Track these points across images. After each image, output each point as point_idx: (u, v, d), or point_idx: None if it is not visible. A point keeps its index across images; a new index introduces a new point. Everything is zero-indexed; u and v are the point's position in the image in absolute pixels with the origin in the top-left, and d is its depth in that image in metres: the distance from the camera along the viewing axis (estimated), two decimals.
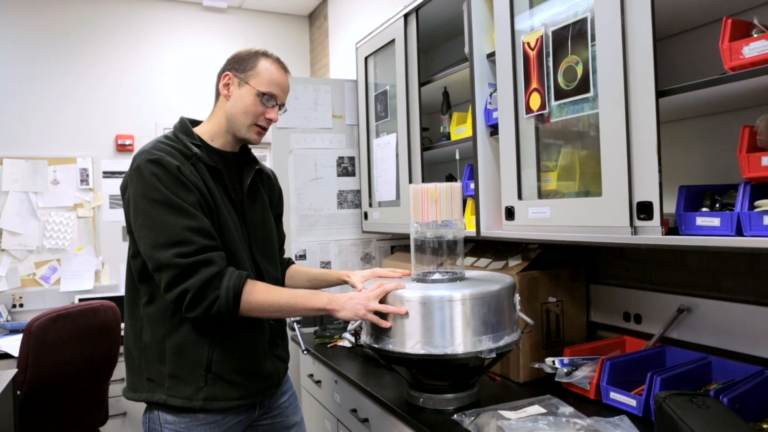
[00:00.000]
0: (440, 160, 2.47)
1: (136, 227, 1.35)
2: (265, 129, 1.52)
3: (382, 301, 1.44)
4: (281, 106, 1.52)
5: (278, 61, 1.51)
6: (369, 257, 2.84)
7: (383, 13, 3.12)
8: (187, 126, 1.50)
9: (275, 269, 1.60)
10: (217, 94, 1.52)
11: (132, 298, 1.45)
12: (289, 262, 1.80)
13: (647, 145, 1.23)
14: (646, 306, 1.69)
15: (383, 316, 1.43)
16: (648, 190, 1.24)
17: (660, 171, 1.21)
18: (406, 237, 2.91)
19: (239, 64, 1.48)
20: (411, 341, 1.42)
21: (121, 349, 2.98)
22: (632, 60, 1.26)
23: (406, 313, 1.41)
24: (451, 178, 2.44)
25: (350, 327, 1.62)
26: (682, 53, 1.50)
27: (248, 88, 1.46)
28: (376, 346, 1.48)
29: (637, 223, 1.27)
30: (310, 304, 1.41)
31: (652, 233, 1.24)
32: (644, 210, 1.25)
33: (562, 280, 1.81)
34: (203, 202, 1.38)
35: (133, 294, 1.44)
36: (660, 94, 1.22)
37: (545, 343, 1.77)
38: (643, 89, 1.24)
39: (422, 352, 1.40)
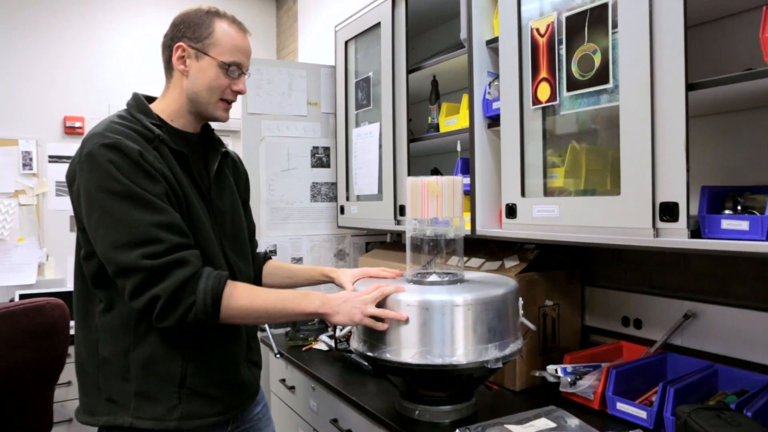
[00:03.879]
0: (425, 152, 2.35)
1: (91, 225, 1.14)
2: (231, 103, 1.33)
3: (380, 305, 1.31)
4: (246, 72, 1.33)
5: (235, 21, 1.31)
6: (343, 254, 2.70)
7: None
8: (143, 103, 1.28)
9: (248, 266, 1.43)
10: (170, 68, 1.30)
11: (84, 305, 1.24)
12: (266, 256, 1.63)
13: (674, 142, 1.15)
14: (647, 310, 1.63)
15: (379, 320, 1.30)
16: (673, 190, 1.16)
17: (688, 170, 1.13)
18: (383, 233, 2.82)
19: (192, 32, 1.26)
20: (410, 350, 1.29)
21: (70, 351, 2.74)
22: (659, 49, 1.17)
23: (407, 320, 1.28)
24: (436, 172, 2.32)
25: (339, 332, 1.48)
26: (709, 44, 1.42)
27: (208, 59, 1.25)
28: (370, 354, 1.34)
29: (660, 224, 1.18)
30: (301, 308, 1.25)
31: (676, 236, 1.16)
32: (668, 211, 1.17)
33: (558, 282, 1.73)
34: (170, 192, 1.18)
35: (84, 301, 1.24)
36: (690, 87, 1.13)
37: (541, 349, 1.69)
38: (671, 81, 1.15)
39: (423, 362, 1.28)
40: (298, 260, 2.58)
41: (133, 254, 1.10)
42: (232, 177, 1.45)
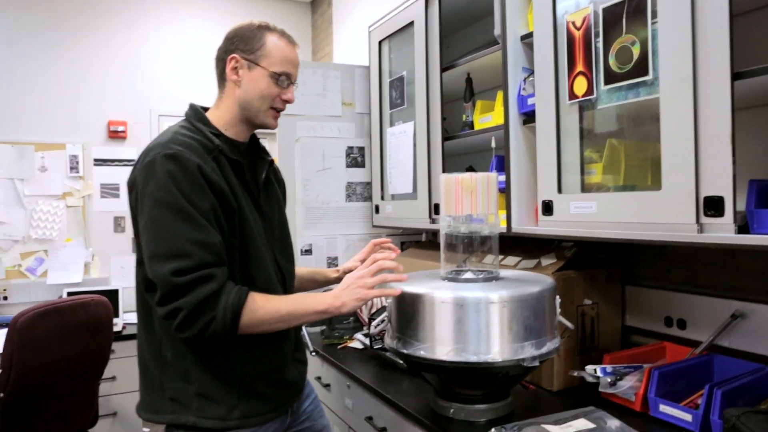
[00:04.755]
0: (460, 151, 2.33)
1: (140, 229, 1.20)
2: (280, 111, 1.38)
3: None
4: (294, 82, 1.38)
5: (285, 35, 1.36)
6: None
7: None
8: (201, 113, 1.34)
9: (293, 268, 1.49)
10: (223, 80, 1.36)
11: (144, 309, 1.30)
12: None
13: (719, 134, 1.10)
14: (692, 310, 1.57)
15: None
16: (718, 183, 1.11)
17: (734, 162, 1.09)
18: (419, 232, 2.81)
19: (245, 44, 1.32)
20: (444, 347, 1.28)
21: (114, 347, 2.83)
22: (702, 38, 1.13)
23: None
24: (471, 170, 2.30)
25: (374, 330, 1.48)
26: (755, 31, 1.36)
27: (260, 70, 1.31)
28: (404, 351, 1.34)
29: (704, 220, 1.14)
30: (313, 307, 1.26)
31: (722, 231, 1.11)
32: (713, 206, 1.12)
33: (597, 281, 1.69)
34: (220, 207, 1.22)
35: (145, 304, 1.29)
36: (735, 76, 1.09)
37: (579, 349, 1.65)
38: (715, 71, 1.11)
39: (457, 359, 1.27)
40: (334, 260, 2.60)
41: (165, 267, 1.14)
42: (278, 185, 1.51)
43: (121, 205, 3.74)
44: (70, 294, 3.44)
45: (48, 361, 2.22)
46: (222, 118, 1.35)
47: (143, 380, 1.31)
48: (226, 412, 1.24)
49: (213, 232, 1.19)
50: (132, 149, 3.78)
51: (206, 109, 1.39)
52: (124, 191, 3.76)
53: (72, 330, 2.30)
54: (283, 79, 1.33)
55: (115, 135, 3.72)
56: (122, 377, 3.17)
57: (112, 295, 3.26)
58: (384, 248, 1.48)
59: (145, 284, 1.26)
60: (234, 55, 1.32)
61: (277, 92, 1.34)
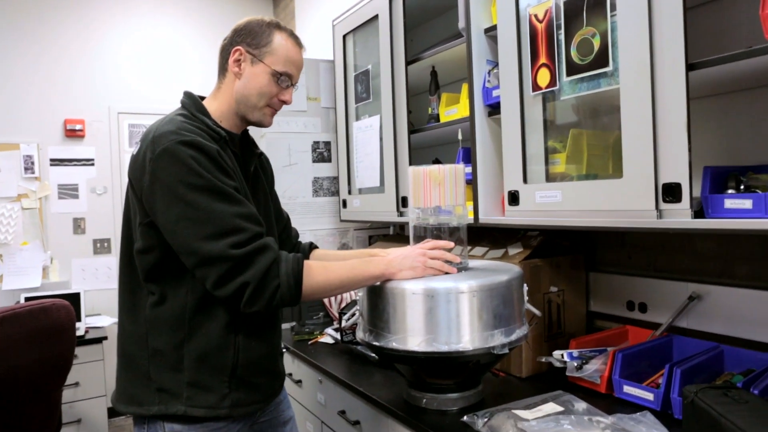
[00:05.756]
0: (426, 144, 2.35)
1: (170, 219, 1.16)
2: (276, 111, 1.37)
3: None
4: (294, 84, 1.37)
5: (293, 36, 1.36)
6: (346, 248, 2.70)
7: None
8: (200, 104, 1.32)
9: None
10: (224, 70, 1.34)
11: (132, 298, 1.27)
12: (312, 246, 1.65)
13: (675, 123, 1.15)
14: (652, 294, 1.63)
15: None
16: (675, 170, 1.16)
17: (690, 150, 1.13)
18: (386, 226, 2.82)
19: (252, 38, 1.30)
20: (416, 338, 1.30)
21: (77, 352, 2.75)
22: (659, 31, 1.17)
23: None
24: (438, 163, 2.31)
25: (345, 323, 1.48)
26: (708, 23, 1.41)
27: (263, 66, 1.30)
28: (376, 344, 1.35)
29: (663, 206, 1.18)
30: (369, 272, 1.31)
31: (679, 216, 1.16)
32: (670, 192, 1.17)
33: (562, 268, 1.73)
34: (240, 189, 1.24)
35: (134, 295, 1.27)
36: (690, 67, 1.13)
37: (547, 335, 1.69)
38: (671, 62, 1.15)
39: (429, 349, 1.28)
40: None
41: (220, 244, 1.14)
42: (264, 175, 1.50)
43: (80, 206, 3.64)
44: (27, 299, 3.32)
45: (7, 368, 2.14)
46: (219, 108, 1.33)
47: (125, 373, 1.29)
48: (217, 401, 1.23)
49: (248, 204, 1.22)
50: (90, 148, 3.67)
51: (202, 98, 1.37)
52: (83, 191, 3.65)
53: (32, 336, 2.22)
54: (284, 78, 1.32)
55: (73, 134, 3.61)
56: (86, 383, 3.09)
57: (74, 298, 3.17)
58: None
59: (146, 273, 1.23)
60: (239, 47, 1.30)
61: (276, 91, 1.33)
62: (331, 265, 1.29)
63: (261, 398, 1.33)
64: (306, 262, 1.24)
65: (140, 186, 1.21)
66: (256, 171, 1.43)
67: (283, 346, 2.07)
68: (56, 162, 3.58)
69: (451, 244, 1.37)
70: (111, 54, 3.73)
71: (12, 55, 3.46)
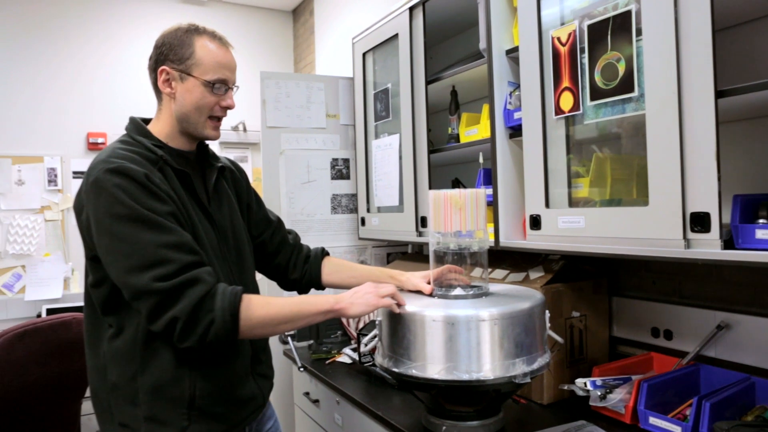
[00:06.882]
0: (445, 163, 2.33)
1: (102, 251, 1.14)
2: (220, 120, 1.34)
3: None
4: (233, 87, 1.33)
5: (216, 37, 1.30)
6: (364, 264, 2.68)
7: (377, 7, 2.98)
8: (142, 126, 1.30)
9: (249, 278, 1.43)
10: (158, 91, 1.32)
11: (93, 332, 1.25)
12: (324, 252, 1.63)
13: (704, 150, 1.12)
14: (677, 321, 1.59)
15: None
16: (704, 199, 1.13)
17: (719, 178, 1.10)
18: (405, 244, 2.80)
19: (174, 54, 1.26)
20: (436, 366, 1.28)
21: None
22: (686, 56, 1.14)
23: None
24: (457, 183, 2.30)
25: (364, 347, 1.47)
26: (737, 48, 1.39)
27: (193, 80, 1.26)
28: (395, 370, 1.33)
29: (691, 235, 1.15)
30: (317, 307, 1.24)
31: (708, 247, 1.13)
32: (699, 222, 1.14)
33: (584, 293, 1.70)
34: (178, 213, 1.19)
35: (95, 328, 1.25)
36: (719, 94, 1.11)
37: (569, 362, 1.65)
38: (699, 89, 1.12)
39: (449, 377, 1.26)
40: None
41: (144, 277, 1.09)
42: (233, 187, 1.46)
43: None
44: (49, 311, 3.37)
45: (27, 383, 2.16)
46: (163, 130, 1.31)
47: (94, 408, 1.27)
48: None
49: (181, 232, 1.16)
50: None
51: (147, 121, 1.35)
52: None
53: (52, 350, 2.24)
54: (219, 86, 1.28)
55: (95, 147, 3.66)
56: None
57: None
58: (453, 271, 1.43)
59: (102, 306, 1.21)
60: (164, 66, 1.27)
61: (215, 101, 1.29)
62: (274, 300, 1.23)
63: (225, 428, 1.27)
64: (246, 296, 1.18)
65: (80, 220, 1.20)
66: (218, 183, 1.39)
67: (300, 365, 2.06)
68: (79, 175, 3.63)
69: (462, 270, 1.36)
70: (130, 68, 3.78)
71: (35, 69, 3.53)
